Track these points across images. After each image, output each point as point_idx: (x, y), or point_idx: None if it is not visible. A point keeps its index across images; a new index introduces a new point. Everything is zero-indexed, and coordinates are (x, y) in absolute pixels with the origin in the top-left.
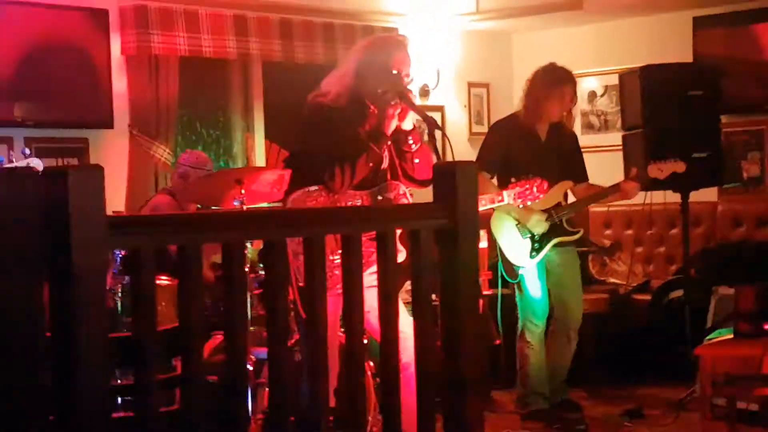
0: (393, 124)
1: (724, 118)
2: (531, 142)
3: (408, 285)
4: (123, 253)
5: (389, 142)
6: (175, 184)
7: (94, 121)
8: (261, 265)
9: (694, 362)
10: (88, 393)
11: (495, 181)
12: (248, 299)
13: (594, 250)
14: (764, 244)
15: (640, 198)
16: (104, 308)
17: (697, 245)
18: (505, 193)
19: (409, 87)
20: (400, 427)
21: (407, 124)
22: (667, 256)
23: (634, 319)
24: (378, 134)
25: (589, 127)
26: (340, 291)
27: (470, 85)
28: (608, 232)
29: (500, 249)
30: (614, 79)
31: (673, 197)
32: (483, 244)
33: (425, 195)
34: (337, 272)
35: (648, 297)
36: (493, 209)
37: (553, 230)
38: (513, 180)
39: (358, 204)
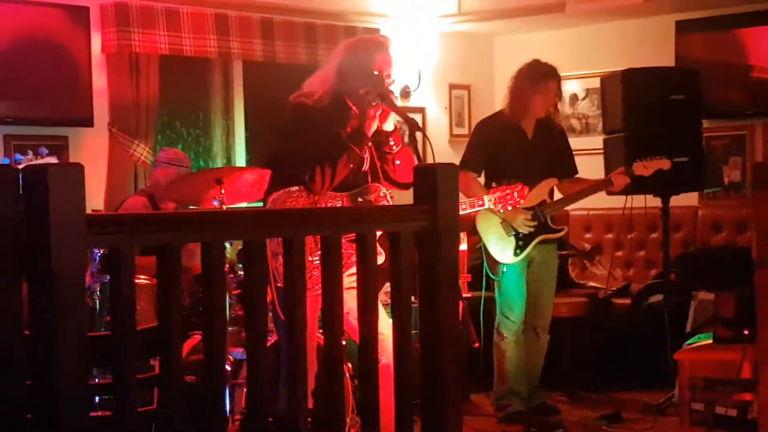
0: (374, 126)
1: (705, 123)
2: (517, 140)
3: (387, 287)
4: (102, 251)
5: (370, 144)
6: (154, 181)
7: (73, 118)
8: (240, 265)
9: (673, 367)
10: (67, 392)
11: (482, 179)
12: (227, 299)
13: (574, 254)
14: (744, 250)
15: (620, 202)
16: (83, 307)
17: (678, 250)
18: (485, 197)
19: (390, 88)
20: (378, 428)
21: (388, 126)
22: (647, 260)
23: (614, 323)
24: (359, 135)
25: (570, 130)
26: (319, 292)
27: (451, 86)
28: (588, 235)
29: (485, 246)
30: (596, 83)
31: (653, 201)
32: (463, 246)
33: (406, 197)
34: (315, 273)
35: (627, 301)
36: None
37: (538, 228)
38: (494, 185)
39: (338, 205)
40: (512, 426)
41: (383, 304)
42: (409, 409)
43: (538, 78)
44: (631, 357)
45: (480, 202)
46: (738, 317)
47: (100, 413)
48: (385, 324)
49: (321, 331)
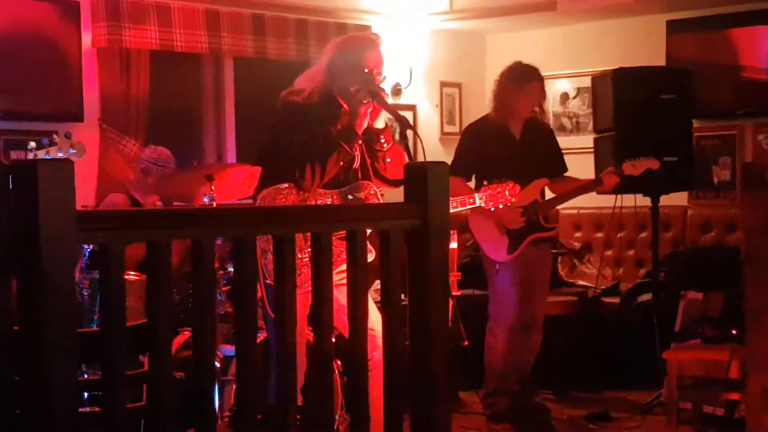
0: (365, 123)
1: (696, 123)
2: (505, 142)
3: (377, 284)
4: (91, 247)
5: (360, 142)
6: (137, 180)
7: (64, 113)
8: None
9: (661, 366)
10: (56, 388)
11: (472, 184)
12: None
13: (563, 252)
14: (733, 249)
15: (610, 201)
16: (72, 303)
17: (667, 249)
18: (477, 195)
19: (381, 86)
20: (368, 425)
21: (380, 123)
22: (636, 259)
23: (603, 322)
24: (349, 133)
25: (560, 128)
26: (308, 289)
27: (443, 84)
28: (578, 234)
29: (478, 244)
30: (587, 82)
31: (643, 201)
32: (453, 245)
33: (396, 195)
34: (305, 270)
35: (617, 300)
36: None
37: (531, 226)
38: (485, 183)
39: (329, 203)
40: (500, 424)
41: (374, 302)
42: (398, 405)
43: (521, 79)
44: (620, 356)
45: (471, 200)
46: (726, 317)
47: (89, 409)
48: (377, 320)
49: (310, 328)
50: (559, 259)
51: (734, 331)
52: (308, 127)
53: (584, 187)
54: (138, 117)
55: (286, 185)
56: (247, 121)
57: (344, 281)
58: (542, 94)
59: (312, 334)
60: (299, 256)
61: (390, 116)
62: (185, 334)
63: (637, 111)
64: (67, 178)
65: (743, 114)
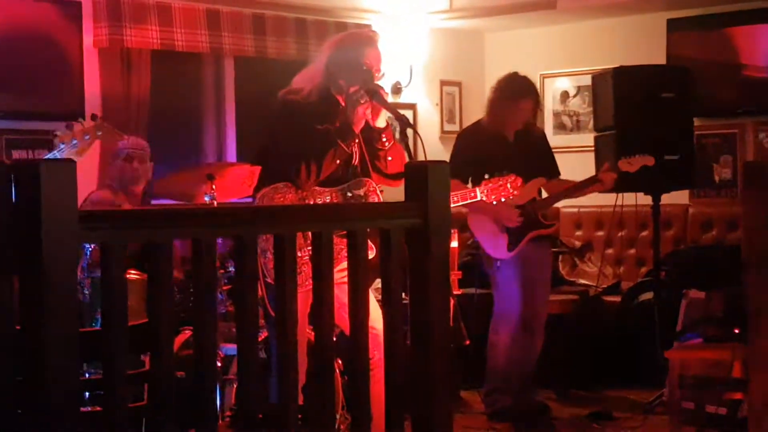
0: (362, 122)
1: (696, 121)
2: (499, 144)
3: (378, 283)
4: (92, 246)
5: (358, 140)
6: (119, 171)
7: (65, 113)
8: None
9: (663, 365)
10: (57, 387)
11: (470, 185)
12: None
13: (564, 251)
14: (735, 248)
15: (611, 199)
16: (74, 302)
17: (668, 248)
18: (477, 189)
19: (380, 83)
20: (369, 425)
21: (380, 122)
22: (637, 258)
23: (604, 321)
24: (346, 131)
25: (561, 127)
26: (309, 287)
27: (443, 83)
28: (579, 233)
29: (478, 242)
30: (587, 80)
31: (644, 199)
32: (454, 243)
33: (396, 194)
34: (305, 269)
35: (618, 299)
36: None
37: (530, 223)
38: (487, 176)
39: (328, 200)
40: (501, 423)
41: (376, 300)
42: (399, 405)
43: (513, 96)
44: (622, 355)
45: (472, 194)
46: (728, 316)
47: (90, 409)
48: (378, 319)
49: (311, 326)
50: (560, 257)
51: (737, 330)
52: (305, 126)
53: (581, 185)
54: (139, 116)
55: (283, 184)
56: (247, 121)
57: (345, 279)
58: (536, 109)
59: (313, 332)
60: (299, 254)
61: (390, 115)
62: (186, 333)
63: (638, 109)
64: (68, 177)
65: (744, 112)
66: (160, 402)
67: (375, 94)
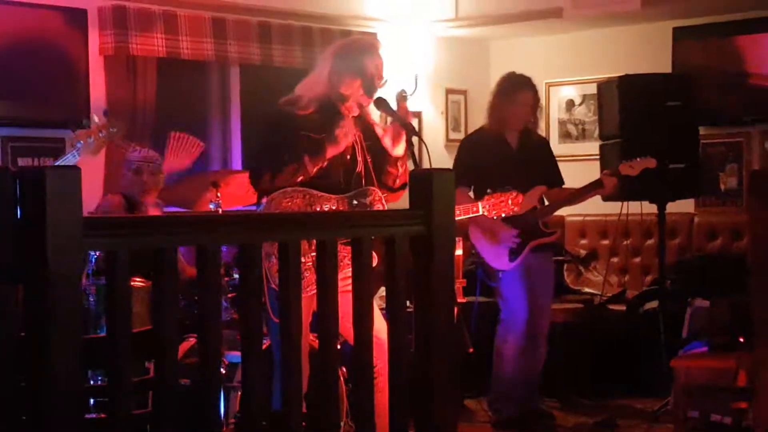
0: (346, 141)
1: (702, 130)
2: (503, 151)
3: (382, 291)
4: (98, 254)
5: (363, 147)
6: (130, 181)
7: (71, 121)
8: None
9: (668, 374)
10: (62, 394)
11: (472, 193)
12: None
13: (569, 260)
14: (740, 257)
15: (616, 208)
16: (79, 309)
17: (673, 257)
18: (480, 204)
19: (380, 90)
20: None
21: (398, 150)
22: (642, 266)
23: (609, 330)
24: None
25: (566, 136)
26: (311, 293)
27: (448, 91)
28: (584, 241)
29: (479, 253)
30: (592, 89)
31: (649, 208)
32: (458, 251)
33: (401, 201)
34: (307, 275)
35: (623, 307)
36: None
37: (531, 233)
38: (489, 191)
39: (334, 208)
40: (506, 431)
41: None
42: (403, 413)
43: (512, 90)
44: (627, 363)
45: (474, 209)
46: (734, 325)
47: (95, 416)
48: (382, 328)
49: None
50: (565, 266)
51: (742, 339)
52: (296, 137)
53: (582, 191)
54: (144, 124)
55: (292, 189)
56: (252, 128)
57: (348, 287)
58: (536, 103)
59: (315, 339)
60: (302, 260)
61: (391, 118)
62: (191, 341)
63: (643, 118)
64: (73, 185)
65: (749, 121)
66: (165, 409)
67: (381, 103)
